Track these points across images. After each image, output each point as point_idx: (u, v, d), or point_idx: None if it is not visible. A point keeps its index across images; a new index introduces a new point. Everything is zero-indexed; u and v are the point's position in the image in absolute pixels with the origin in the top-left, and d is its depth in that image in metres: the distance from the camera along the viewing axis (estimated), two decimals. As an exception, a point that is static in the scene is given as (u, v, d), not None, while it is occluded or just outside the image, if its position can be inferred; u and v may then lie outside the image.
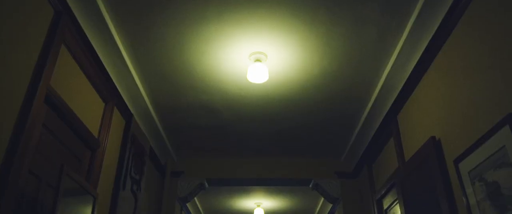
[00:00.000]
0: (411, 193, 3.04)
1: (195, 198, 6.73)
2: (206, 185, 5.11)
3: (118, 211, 3.23)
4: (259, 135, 4.44)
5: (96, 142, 2.86)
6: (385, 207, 3.89)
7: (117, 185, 3.28)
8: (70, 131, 2.52)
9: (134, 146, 3.63)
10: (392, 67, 3.09)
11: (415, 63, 2.88)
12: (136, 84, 3.34)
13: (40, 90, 2.03)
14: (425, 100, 2.85)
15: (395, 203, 3.59)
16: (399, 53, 2.92)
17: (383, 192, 3.80)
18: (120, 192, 3.28)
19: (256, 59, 3.06)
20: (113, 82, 3.11)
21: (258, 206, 7.19)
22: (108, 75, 3.00)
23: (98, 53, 2.77)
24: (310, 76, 3.32)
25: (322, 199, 6.73)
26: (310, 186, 5.13)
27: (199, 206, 7.22)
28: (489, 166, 1.99)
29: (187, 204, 6.30)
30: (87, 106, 2.78)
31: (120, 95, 3.29)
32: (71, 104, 2.50)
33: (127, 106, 3.48)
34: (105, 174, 3.07)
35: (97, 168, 2.86)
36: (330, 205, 6.42)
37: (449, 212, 2.36)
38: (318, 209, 7.41)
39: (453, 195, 2.38)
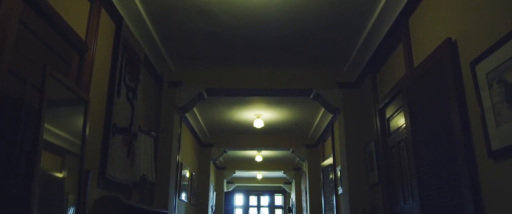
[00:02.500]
0: (418, 100, 2.92)
1: (194, 109, 6.71)
2: (205, 95, 5.01)
3: (115, 119, 3.14)
4: (259, 42, 4.21)
5: (84, 44, 2.65)
6: (387, 115, 3.82)
7: (111, 92, 3.15)
8: (52, 31, 2.30)
9: (127, 52, 3.43)
10: (407, -37, 2.78)
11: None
12: (125, -17, 3.04)
13: (10, -21, 1.78)
14: (441, 1, 2.59)
15: (398, 111, 3.50)
16: None
17: (386, 100, 3.70)
18: (115, 98, 3.16)
19: (257, -48, 2.73)
20: (98, -20, 2.82)
21: (258, 117, 7.21)
22: (92, -30, 2.70)
23: None
24: (316, -26, 3.00)
25: (323, 109, 6.71)
26: (311, 96, 5.04)
27: (198, 117, 7.24)
28: (510, 66, 1.83)
29: (187, 115, 6.30)
30: (69, 4, 2.52)
31: (108, -5, 3.01)
32: (51, 1, 2.24)
33: (116, 8, 3.21)
34: (97, 80, 2.91)
35: (87, 72, 2.69)
36: (330, 116, 6.43)
37: (459, 118, 2.25)
38: (317, 119, 7.45)
39: (466, 100, 2.25)
